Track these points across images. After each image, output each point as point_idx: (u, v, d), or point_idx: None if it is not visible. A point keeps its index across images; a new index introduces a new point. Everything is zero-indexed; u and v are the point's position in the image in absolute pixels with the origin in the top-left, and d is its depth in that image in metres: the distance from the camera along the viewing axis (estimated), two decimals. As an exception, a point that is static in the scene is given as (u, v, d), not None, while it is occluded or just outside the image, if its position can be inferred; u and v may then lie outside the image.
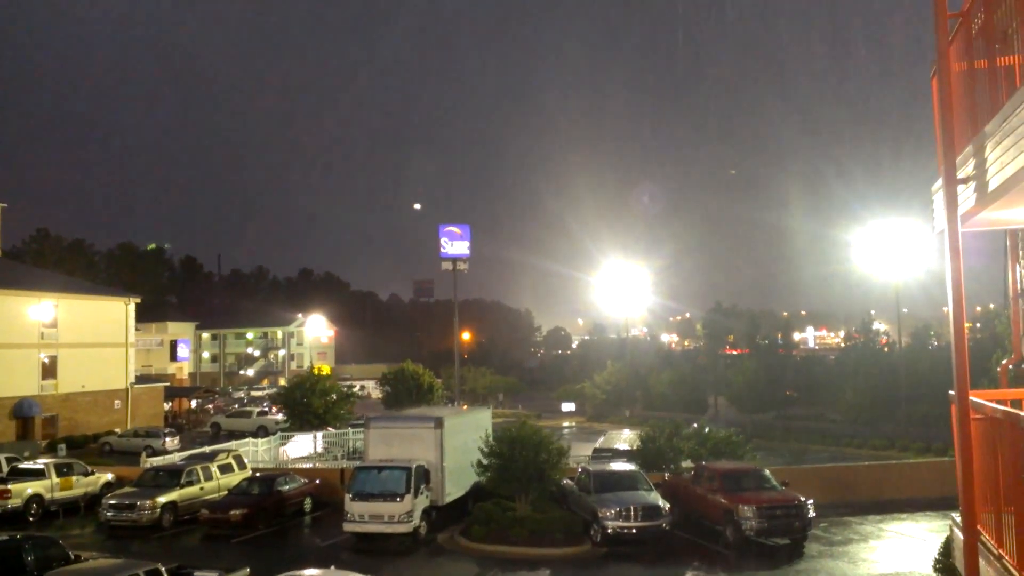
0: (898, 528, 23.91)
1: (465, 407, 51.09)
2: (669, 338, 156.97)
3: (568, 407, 66.19)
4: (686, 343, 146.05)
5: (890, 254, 41.05)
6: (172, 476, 27.34)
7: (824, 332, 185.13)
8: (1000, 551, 5.88)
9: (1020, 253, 10.11)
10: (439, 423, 24.60)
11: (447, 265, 65.06)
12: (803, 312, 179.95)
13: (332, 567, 15.14)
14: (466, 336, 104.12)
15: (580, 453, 34.41)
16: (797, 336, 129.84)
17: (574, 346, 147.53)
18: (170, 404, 60.84)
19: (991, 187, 5.30)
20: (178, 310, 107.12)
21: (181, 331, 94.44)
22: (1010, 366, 9.95)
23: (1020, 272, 10.13)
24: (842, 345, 78.41)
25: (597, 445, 33.56)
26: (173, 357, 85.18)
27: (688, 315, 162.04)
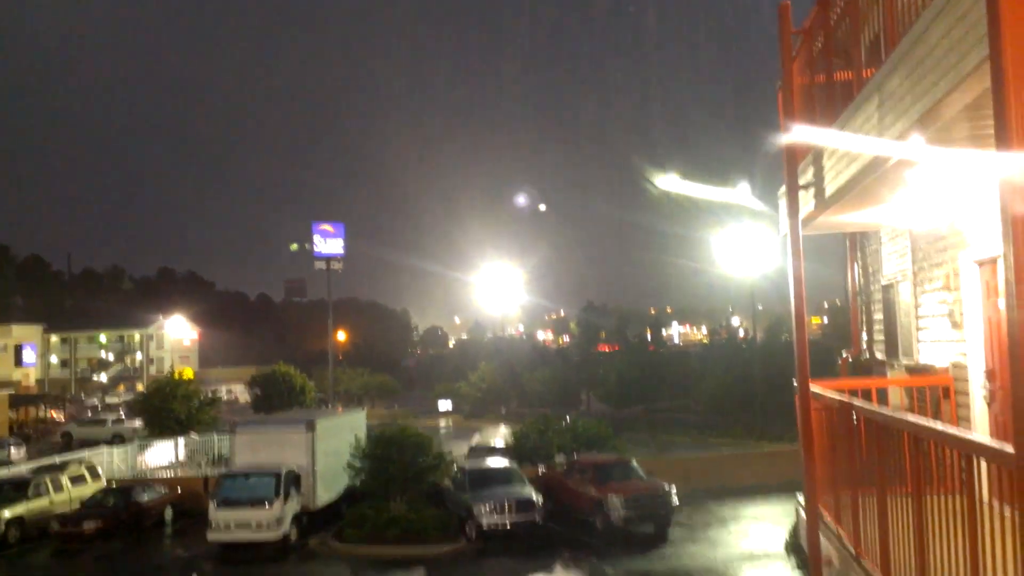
0: (755, 512, 25.34)
1: (340, 409, 50.06)
2: (544, 336, 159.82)
3: (445, 406, 66.23)
4: (560, 340, 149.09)
5: (745, 254, 43.48)
6: (18, 488, 25.45)
7: (688, 328, 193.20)
8: (838, 528, 6.37)
9: (858, 255, 11.01)
10: (311, 426, 24.06)
11: (321, 264, 63.69)
12: (669, 309, 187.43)
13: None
14: (341, 336, 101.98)
15: (457, 451, 34.51)
16: (664, 332, 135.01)
17: (452, 345, 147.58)
18: (15, 413, 56.54)
19: (827, 193, 5.74)
20: (23, 312, 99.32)
21: (27, 334, 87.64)
22: (850, 358, 10.82)
23: (858, 271, 11.04)
24: (704, 341, 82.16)
25: (473, 443, 33.80)
26: (18, 362, 78.96)
27: (563, 312, 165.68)
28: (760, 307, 63.89)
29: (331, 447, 24.85)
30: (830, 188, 5.59)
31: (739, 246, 44.02)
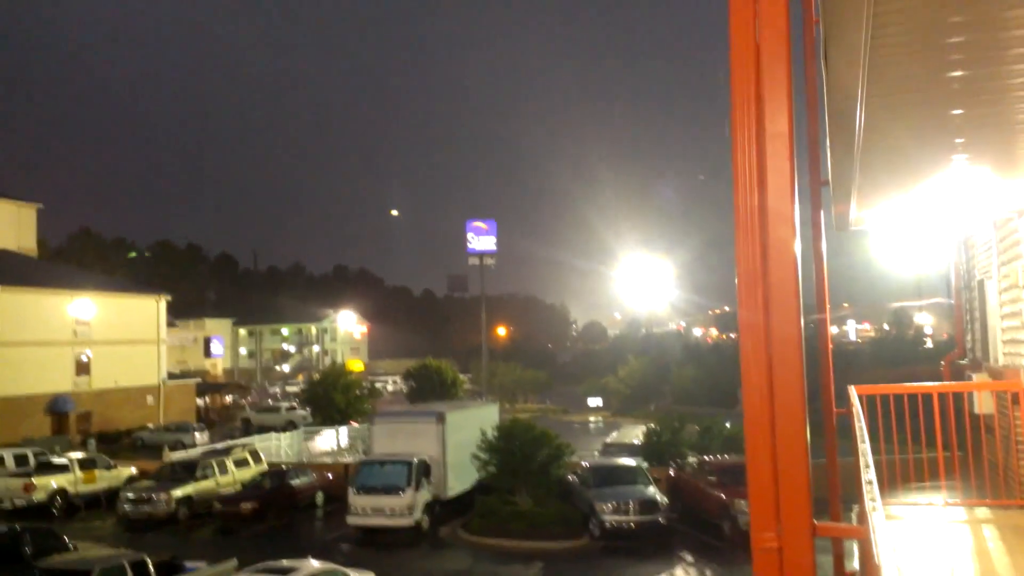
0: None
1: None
2: (704, 331, 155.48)
3: (594, 402, 66.10)
4: (724, 336, 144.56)
5: (915, 248, 40.64)
6: (188, 470, 28.06)
7: (867, 325, 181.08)
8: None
9: (962, 249, 10.02)
10: (441, 418, 24.90)
11: (474, 261, 65.62)
12: (846, 304, 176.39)
13: (308, 557, 15.51)
14: (501, 331, 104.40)
15: (597, 447, 34.56)
16: (836, 329, 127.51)
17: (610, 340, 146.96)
18: (203, 399, 62.17)
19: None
20: (215, 307, 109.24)
21: (217, 328, 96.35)
22: (953, 360, 9.90)
23: (962, 267, 10.05)
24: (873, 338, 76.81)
25: (608, 440, 33.61)
26: (207, 353, 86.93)
27: (727, 308, 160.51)
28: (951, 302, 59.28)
29: (462, 439, 25.56)
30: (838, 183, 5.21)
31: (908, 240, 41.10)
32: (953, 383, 7.41)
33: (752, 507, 2.66)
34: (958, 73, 4.14)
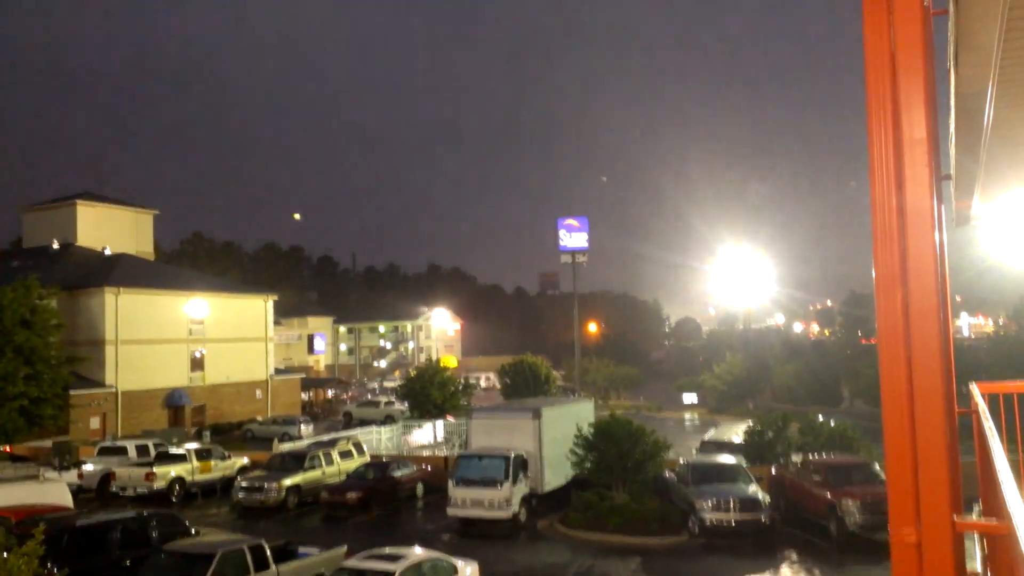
0: None
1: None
2: (804, 327, 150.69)
3: (689, 398, 65.18)
4: (826, 332, 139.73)
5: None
6: (297, 461, 29.26)
7: (980, 319, 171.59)
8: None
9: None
10: (537, 414, 25.16)
11: (566, 258, 65.66)
12: (958, 298, 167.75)
13: (415, 545, 15.98)
14: (592, 328, 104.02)
15: (693, 444, 34.19)
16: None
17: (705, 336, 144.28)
18: (308, 394, 64.59)
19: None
20: (317, 306, 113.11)
21: (319, 326, 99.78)
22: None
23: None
24: (991, 334, 72.78)
25: (706, 437, 33.17)
26: (311, 350, 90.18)
27: (829, 303, 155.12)
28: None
29: (558, 434, 25.78)
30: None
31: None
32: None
33: (890, 501, 2.69)
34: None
